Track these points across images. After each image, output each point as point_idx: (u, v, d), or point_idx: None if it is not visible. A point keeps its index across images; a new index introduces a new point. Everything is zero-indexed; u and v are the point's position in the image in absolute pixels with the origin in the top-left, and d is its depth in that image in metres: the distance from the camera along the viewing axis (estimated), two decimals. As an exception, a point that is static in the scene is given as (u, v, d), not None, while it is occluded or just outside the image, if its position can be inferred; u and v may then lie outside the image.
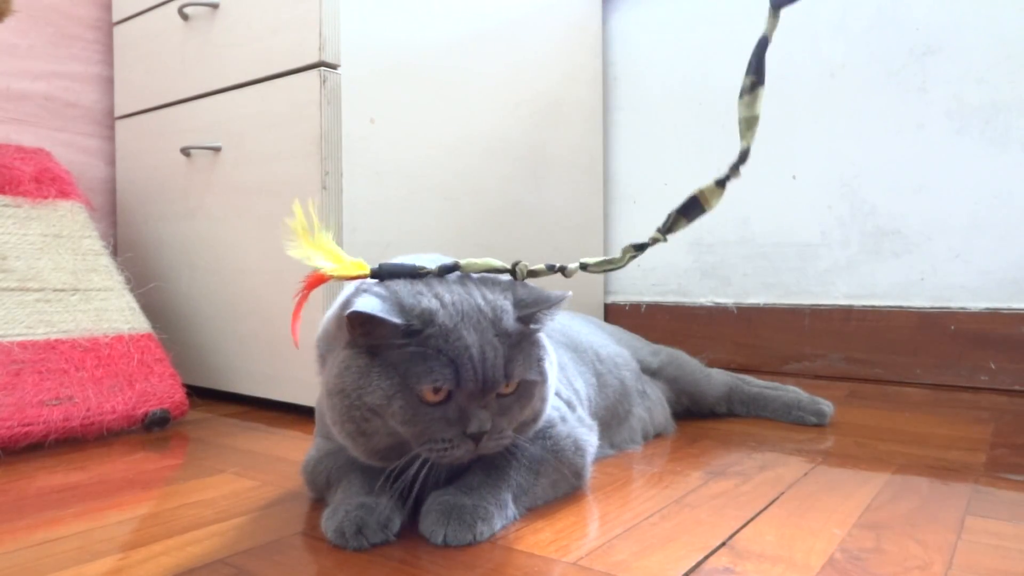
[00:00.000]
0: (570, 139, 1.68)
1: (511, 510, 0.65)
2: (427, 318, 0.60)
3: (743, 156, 0.73)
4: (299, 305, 0.65)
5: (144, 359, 1.17)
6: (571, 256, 1.68)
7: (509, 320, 0.62)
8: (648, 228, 1.85)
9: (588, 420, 0.80)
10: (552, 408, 0.72)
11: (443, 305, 0.61)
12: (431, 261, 0.67)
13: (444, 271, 0.66)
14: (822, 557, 0.59)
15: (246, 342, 1.27)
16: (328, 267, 0.63)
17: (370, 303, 0.58)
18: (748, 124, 0.72)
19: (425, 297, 0.61)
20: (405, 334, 0.59)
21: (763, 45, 0.71)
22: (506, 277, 0.69)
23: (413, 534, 0.63)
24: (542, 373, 0.65)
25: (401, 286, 0.62)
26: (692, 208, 0.77)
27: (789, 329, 1.59)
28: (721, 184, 0.73)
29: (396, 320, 0.58)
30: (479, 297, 0.63)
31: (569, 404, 0.78)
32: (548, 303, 0.64)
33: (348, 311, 0.58)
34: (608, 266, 0.75)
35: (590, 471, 0.76)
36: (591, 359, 0.93)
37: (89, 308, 1.18)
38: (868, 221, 1.51)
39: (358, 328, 0.60)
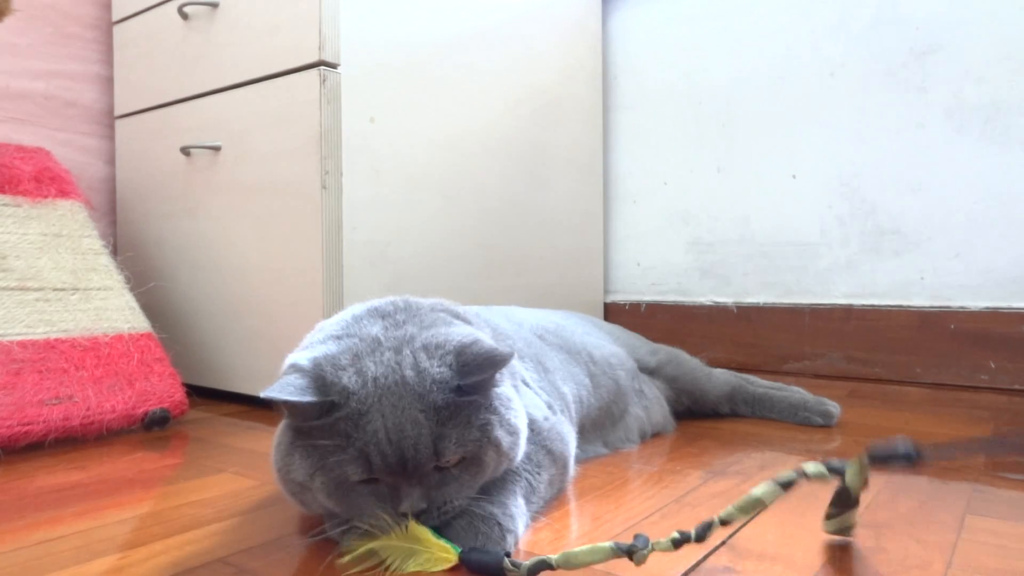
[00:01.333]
0: (570, 137, 1.68)
1: (527, 512, 0.64)
2: (344, 396, 0.57)
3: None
4: None
5: (144, 358, 1.17)
6: (571, 255, 1.68)
7: (441, 392, 0.57)
8: (648, 228, 1.86)
9: (567, 424, 0.79)
10: (533, 407, 0.72)
11: (363, 383, 0.57)
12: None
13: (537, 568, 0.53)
14: (822, 556, 0.59)
15: (246, 341, 1.27)
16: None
17: (288, 384, 0.56)
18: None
19: (347, 372, 0.58)
20: (323, 413, 0.57)
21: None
22: (457, 336, 0.62)
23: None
24: (491, 439, 0.58)
25: (327, 358, 0.59)
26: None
27: (789, 328, 1.59)
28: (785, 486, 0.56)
29: (310, 400, 0.56)
30: (409, 367, 0.58)
31: (550, 407, 0.77)
32: (496, 365, 0.59)
33: (262, 393, 0.56)
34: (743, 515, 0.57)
35: (574, 466, 0.76)
36: (584, 360, 0.93)
37: (89, 307, 1.18)
38: (868, 220, 1.51)
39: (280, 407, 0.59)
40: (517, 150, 1.52)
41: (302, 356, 0.61)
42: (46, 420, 1.00)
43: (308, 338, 0.68)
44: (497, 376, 0.62)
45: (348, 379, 0.58)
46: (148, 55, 1.46)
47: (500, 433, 0.60)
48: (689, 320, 1.73)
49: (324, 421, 0.57)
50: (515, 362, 0.79)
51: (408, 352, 0.60)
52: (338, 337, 0.63)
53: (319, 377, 0.58)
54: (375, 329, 0.63)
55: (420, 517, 0.57)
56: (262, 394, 0.56)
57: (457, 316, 0.70)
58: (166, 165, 1.41)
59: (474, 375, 0.58)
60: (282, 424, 0.63)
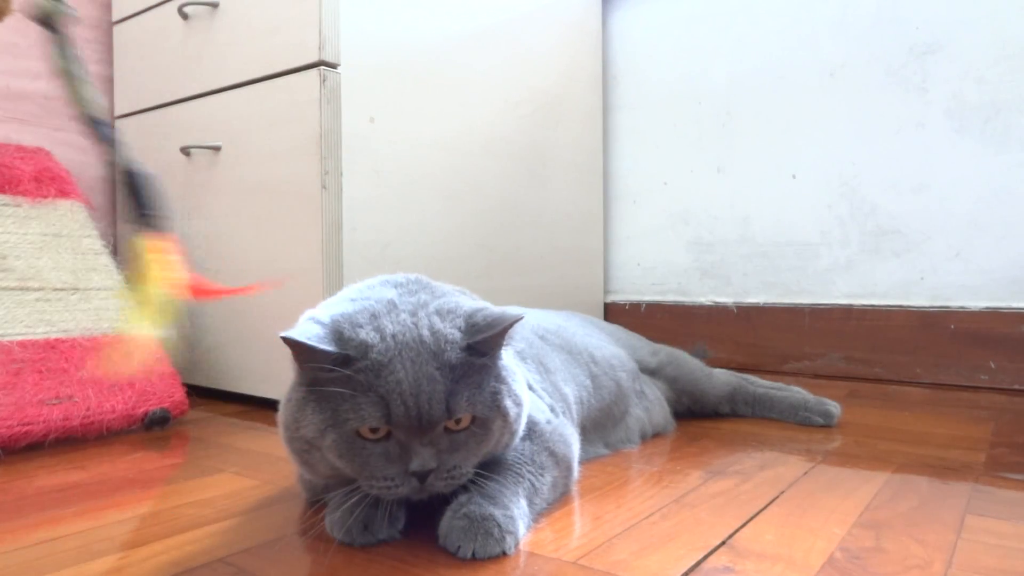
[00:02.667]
0: (570, 138, 1.68)
1: (529, 514, 0.64)
2: (361, 351, 0.58)
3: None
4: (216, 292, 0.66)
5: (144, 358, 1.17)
6: (571, 255, 1.68)
7: (454, 351, 0.59)
8: (648, 228, 1.86)
9: (571, 426, 0.79)
10: (536, 410, 0.72)
11: (382, 338, 0.59)
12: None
13: None
14: (822, 556, 0.59)
15: (246, 341, 1.27)
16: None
17: (306, 330, 0.58)
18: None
19: (364, 329, 0.59)
20: (339, 365, 0.58)
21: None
22: (468, 303, 0.65)
23: (413, 532, 0.63)
24: (499, 408, 0.61)
25: (345, 317, 0.61)
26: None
27: (789, 328, 1.59)
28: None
29: (327, 348, 0.57)
30: (425, 327, 0.60)
31: (552, 409, 0.77)
32: (501, 325, 0.60)
33: (281, 334, 0.58)
34: None
35: (578, 468, 0.76)
36: (585, 361, 0.93)
37: (89, 307, 1.18)
38: (868, 220, 1.51)
39: (296, 355, 0.60)
40: (517, 150, 1.52)
41: (318, 313, 0.62)
42: (46, 420, 1.00)
43: (321, 304, 0.68)
44: (502, 351, 0.64)
45: (366, 335, 0.59)
46: (148, 55, 1.46)
47: (508, 403, 0.62)
48: (689, 320, 1.73)
49: (341, 372, 0.58)
50: (517, 362, 0.79)
51: (423, 315, 0.62)
52: (353, 300, 0.64)
53: (337, 331, 0.59)
54: (390, 294, 0.65)
55: (427, 479, 0.58)
56: (282, 334, 0.57)
57: (465, 294, 0.71)
58: (166, 165, 1.41)
59: (482, 333, 0.60)
60: (292, 383, 0.63)
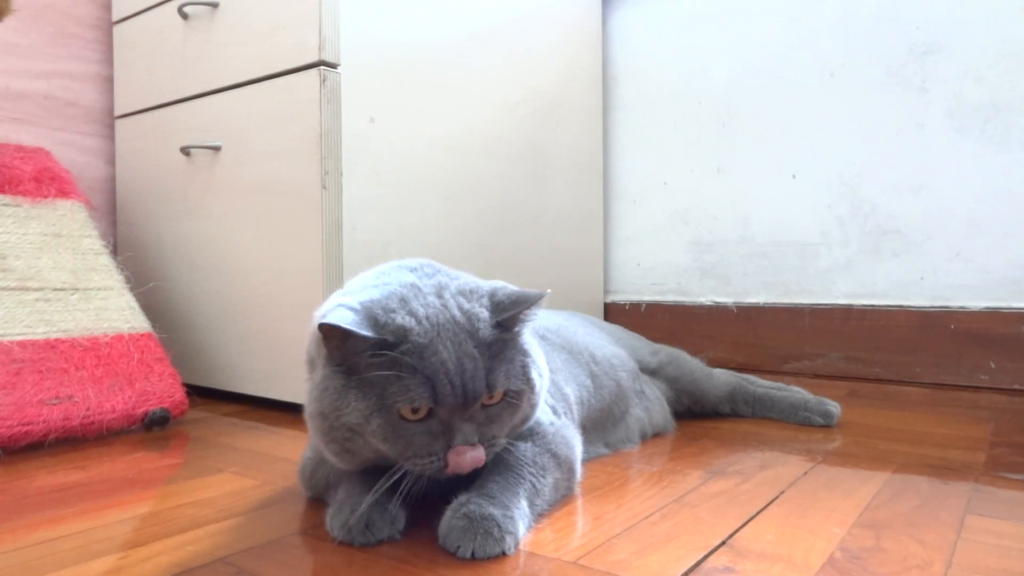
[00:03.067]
0: (570, 138, 1.68)
1: (529, 515, 0.64)
2: (401, 335, 0.59)
3: None
4: None
5: (144, 358, 1.17)
6: (571, 255, 1.68)
7: (487, 328, 0.62)
8: (648, 227, 1.87)
9: (573, 427, 0.79)
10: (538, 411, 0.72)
11: (418, 321, 0.60)
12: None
13: None
14: (822, 556, 0.59)
15: (246, 341, 1.27)
16: None
17: (342, 316, 0.58)
18: None
19: (398, 314, 0.60)
20: (379, 350, 0.59)
21: None
22: (486, 283, 0.67)
23: (413, 532, 0.63)
24: (528, 381, 0.64)
25: (375, 302, 0.61)
26: None
27: (789, 328, 1.59)
28: None
29: (368, 334, 0.58)
30: (455, 308, 0.62)
31: (555, 411, 0.77)
32: (527, 302, 0.63)
33: (319, 321, 0.58)
34: None
35: (580, 470, 0.76)
36: (586, 360, 0.93)
37: (89, 307, 1.18)
38: (868, 220, 1.51)
39: (332, 342, 0.60)
40: (517, 150, 1.52)
41: (348, 300, 0.62)
42: (46, 420, 1.00)
43: (336, 294, 0.68)
44: (524, 327, 0.66)
45: (402, 319, 0.60)
46: (148, 55, 1.46)
47: (534, 375, 0.65)
48: (689, 320, 1.73)
49: (386, 356, 0.59)
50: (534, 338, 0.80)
51: (448, 296, 0.63)
52: (375, 286, 0.65)
53: (371, 316, 0.60)
54: (410, 278, 0.65)
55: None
56: (321, 320, 0.57)
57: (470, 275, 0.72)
58: (166, 165, 1.41)
59: (509, 310, 0.63)
60: (325, 372, 0.62)
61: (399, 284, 0.64)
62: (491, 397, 0.61)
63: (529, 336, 0.68)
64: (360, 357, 0.59)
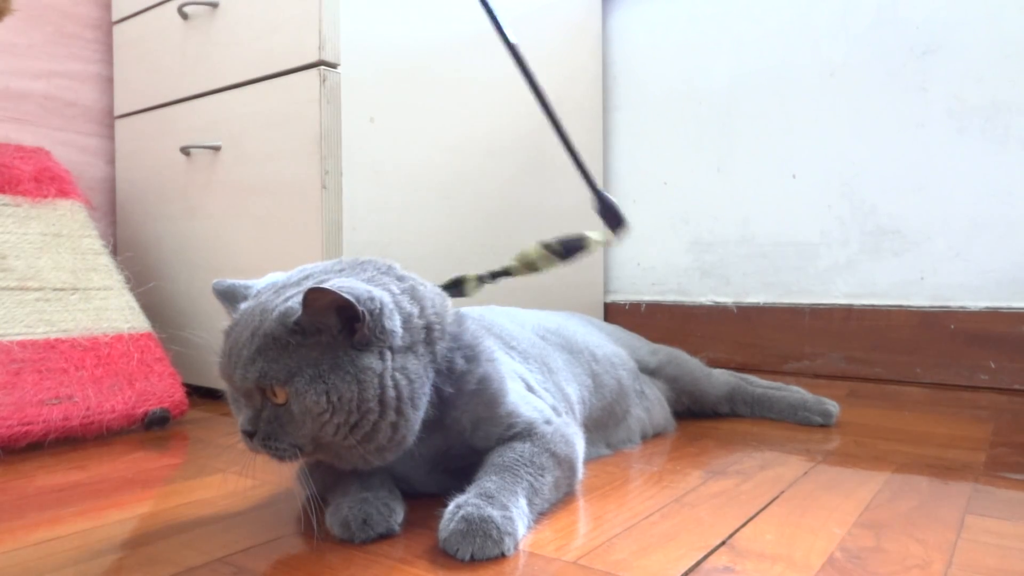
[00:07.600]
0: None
1: (528, 514, 0.64)
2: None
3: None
4: None
5: (144, 358, 1.17)
6: (571, 255, 1.68)
7: (279, 326, 0.59)
8: (648, 227, 1.86)
9: (574, 425, 0.79)
10: (535, 411, 0.72)
11: (245, 305, 0.66)
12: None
13: None
14: (822, 556, 0.59)
15: (246, 341, 1.27)
16: None
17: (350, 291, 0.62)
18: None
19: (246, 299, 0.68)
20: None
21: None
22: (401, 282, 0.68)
23: (413, 531, 0.63)
24: (300, 394, 0.58)
25: (248, 287, 0.69)
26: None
27: (789, 328, 1.59)
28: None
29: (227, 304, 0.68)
30: (278, 299, 0.63)
31: (555, 410, 0.77)
32: (291, 313, 0.59)
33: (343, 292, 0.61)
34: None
35: (582, 468, 0.76)
36: (587, 359, 0.93)
37: (89, 307, 1.18)
38: (868, 220, 1.51)
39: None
40: (517, 150, 1.52)
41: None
42: (46, 420, 1.00)
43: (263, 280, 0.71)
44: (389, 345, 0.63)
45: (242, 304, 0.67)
46: (148, 55, 1.46)
47: (321, 396, 0.62)
48: (689, 320, 1.73)
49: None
50: (519, 364, 0.79)
51: (293, 286, 0.67)
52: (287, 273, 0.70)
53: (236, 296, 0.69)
54: (305, 273, 0.69)
55: (252, 439, 0.63)
56: (342, 293, 0.58)
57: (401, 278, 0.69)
58: (166, 165, 1.41)
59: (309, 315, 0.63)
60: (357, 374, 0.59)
61: (286, 275, 0.69)
62: (274, 395, 0.60)
63: (491, 367, 0.70)
64: None
